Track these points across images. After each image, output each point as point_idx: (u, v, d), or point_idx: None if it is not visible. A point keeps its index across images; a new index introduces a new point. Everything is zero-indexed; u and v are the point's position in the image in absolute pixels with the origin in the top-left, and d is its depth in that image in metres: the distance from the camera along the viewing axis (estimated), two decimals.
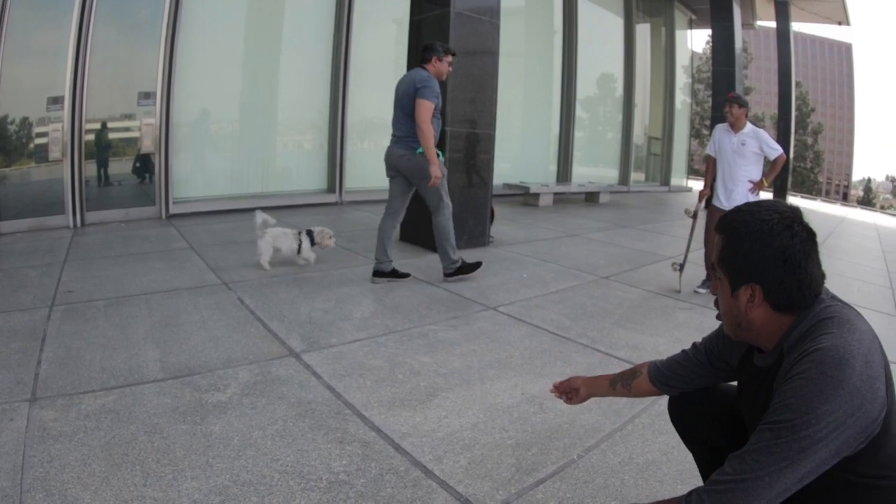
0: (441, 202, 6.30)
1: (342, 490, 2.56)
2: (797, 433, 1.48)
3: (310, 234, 6.91)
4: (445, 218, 6.31)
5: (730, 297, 1.75)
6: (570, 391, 2.49)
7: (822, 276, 1.70)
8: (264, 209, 9.69)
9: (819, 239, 1.69)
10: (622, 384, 2.39)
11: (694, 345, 2.22)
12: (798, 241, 1.64)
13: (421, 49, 6.38)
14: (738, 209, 1.81)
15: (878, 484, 1.63)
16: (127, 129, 9.52)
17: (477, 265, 6.57)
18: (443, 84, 7.47)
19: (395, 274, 6.40)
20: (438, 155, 6.03)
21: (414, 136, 6.01)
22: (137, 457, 2.75)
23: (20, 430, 2.92)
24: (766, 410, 1.58)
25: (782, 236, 1.63)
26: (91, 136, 9.08)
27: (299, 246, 6.86)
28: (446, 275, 6.44)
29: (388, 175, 6.66)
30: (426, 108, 5.90)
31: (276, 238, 6.79)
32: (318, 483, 2.61)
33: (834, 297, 1.74)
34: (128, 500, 2.45)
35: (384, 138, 11.68)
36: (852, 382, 1.47)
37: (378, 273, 6.34)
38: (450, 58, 6.29)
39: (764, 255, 1.66)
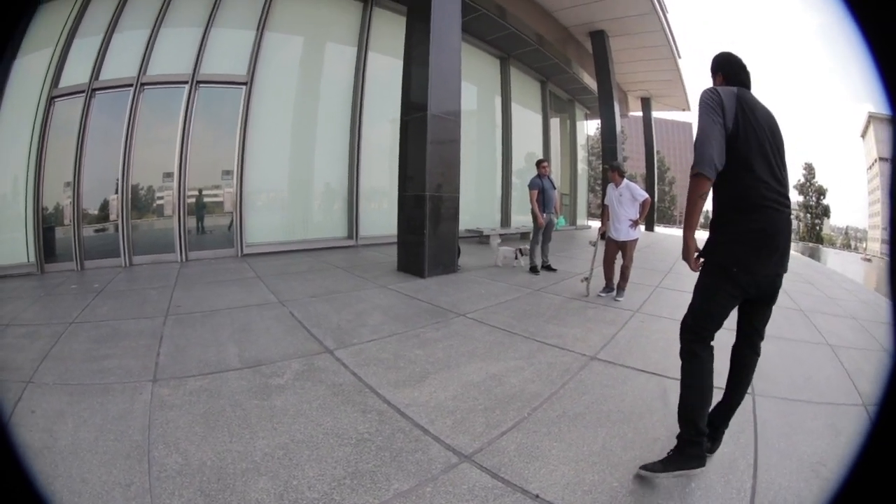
0: None
1: (367, 445, 2.54)
2: None
3: (521, 250, 8.81)
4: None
5: None
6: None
7: None
8: (305, 251, 9.80)
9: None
10: None
11: None
12: None
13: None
14: None
15: None
16: (215, 196, 9.74)
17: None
18: (421, 162, 7.56)
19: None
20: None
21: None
22: (225, 422, 2.76)
23: (147, 401, 2.99)
24: None
25: None
26: (191, 200, 9.38)
27: (516, 255, 8.82)
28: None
29: None
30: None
31: (504, 251, 9.00)
32: (349, 440, 2.58)
33: None
34: (220, 452, 2.45)
35: (385, 201, 11.84)
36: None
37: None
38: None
39: None
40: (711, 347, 2.41)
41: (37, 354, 3.87)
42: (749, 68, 2.52)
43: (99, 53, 8.73)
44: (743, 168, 2.24)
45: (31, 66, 8.55)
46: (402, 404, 3.03)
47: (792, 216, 2.36)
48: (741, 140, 2.24)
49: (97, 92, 8.65)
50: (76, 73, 8.62)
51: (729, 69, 2.51)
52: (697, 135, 2.30)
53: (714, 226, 2.39)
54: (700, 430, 2.36)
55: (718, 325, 2.41)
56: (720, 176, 2.26)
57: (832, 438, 2.86)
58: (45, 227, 8.30)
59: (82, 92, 8.53)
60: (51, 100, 8.47)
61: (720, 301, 2.36)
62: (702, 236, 2.43)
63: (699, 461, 2.34)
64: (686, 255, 2.45)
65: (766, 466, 2.51)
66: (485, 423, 2.82)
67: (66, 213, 8.47)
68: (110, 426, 2.69)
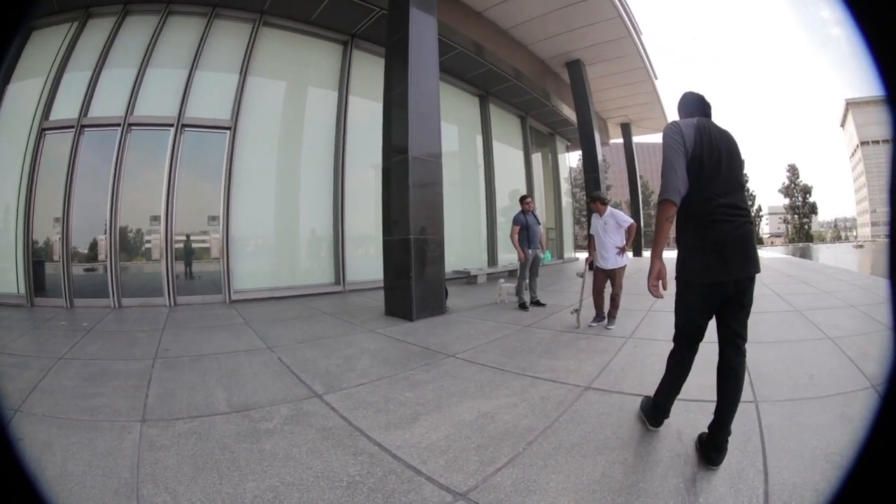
0: None
1: (358, 487, 2.52)
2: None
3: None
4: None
5: None
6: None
7: None
8: (293, 298, 9.86)
9: None
10: None
11: None
12: None
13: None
14: None
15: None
16: (202, 241, 9.89)
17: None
18: (404, 206, 7.62)
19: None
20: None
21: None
22: (214, 464, 2.76)
23: (135, 441, 3.04)
24: None
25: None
26: (179, 245, 9.55)
27: (516, 290, 8.82)
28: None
29: None
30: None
31: (506, 288, 9.22)
32: (340, 483, 2.56)
33: None
34: (209, 493, 2.46)
35: (371, 246, 11.90)
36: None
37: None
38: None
39: None
40: (691, 352, 2.81)
41: (25, 385, 4.00)
42: (708, 99, 2.88)
43: (88, 89, 9.01)
44: (698, 188, 2.52)
45: (23, 94, 8.83)
46: (394, 446, 3.01)
47: (751, 222, 2.63)
48: (697, 163, 2.52)
49: (86, 129, 8.88)
50: (66, 107, 8.91)
51: (689, 108, 2.90)
52: (663, 165, 2.60)
53: (677, 243, 2.68)
54: (658, 406, 3.01)
55: (695, 335, 2.72)
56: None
57: (844, 427, 2.96)
58: (35, 261, 8.53)
59: (71, 127, 8.77)
60: (41, 132, 8.69)
61: (689, 313, 2.67)
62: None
63: (654, 423, 3.07)
64: (650, 275, 2.66)
65: (776, 469, 2.55)
66: (479, 461, 2.81)
67: (55, 248, 8.74)
68: (99, 462, 2.74)
